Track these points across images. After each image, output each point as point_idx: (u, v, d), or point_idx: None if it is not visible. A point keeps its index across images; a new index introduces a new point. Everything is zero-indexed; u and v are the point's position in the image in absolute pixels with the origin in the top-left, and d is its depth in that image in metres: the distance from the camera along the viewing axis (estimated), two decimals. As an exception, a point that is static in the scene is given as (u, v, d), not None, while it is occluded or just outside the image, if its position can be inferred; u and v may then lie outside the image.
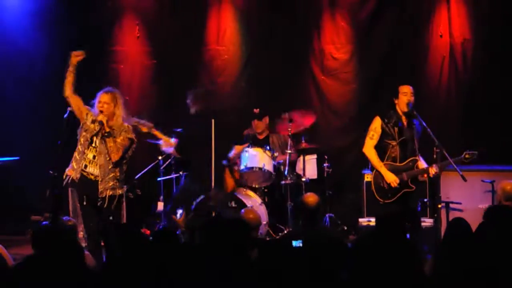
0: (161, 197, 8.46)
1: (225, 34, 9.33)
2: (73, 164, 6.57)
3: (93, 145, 6.49)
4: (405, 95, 6.73)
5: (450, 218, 7.14)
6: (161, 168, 8.49)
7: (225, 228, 4.16)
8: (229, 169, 8.27)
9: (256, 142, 8.36)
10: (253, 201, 7.93)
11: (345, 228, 8.41)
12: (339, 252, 3.83)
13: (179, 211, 8.17)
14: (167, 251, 4.13)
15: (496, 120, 8.78)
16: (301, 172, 8.38)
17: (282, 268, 3.70)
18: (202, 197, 7.93)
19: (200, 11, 9.33)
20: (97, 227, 6.42)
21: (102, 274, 4.04)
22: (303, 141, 8.37)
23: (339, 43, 9.21)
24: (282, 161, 8.18)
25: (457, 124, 8.91)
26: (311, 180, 8.41)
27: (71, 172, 6.55)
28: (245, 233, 4.25)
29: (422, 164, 6.77)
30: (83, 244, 6.43)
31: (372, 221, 7.81)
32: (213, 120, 7.46)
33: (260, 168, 8.03)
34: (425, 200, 7.97)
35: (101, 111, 6.49)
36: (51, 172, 6.85)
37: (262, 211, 7.73)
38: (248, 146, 8.17)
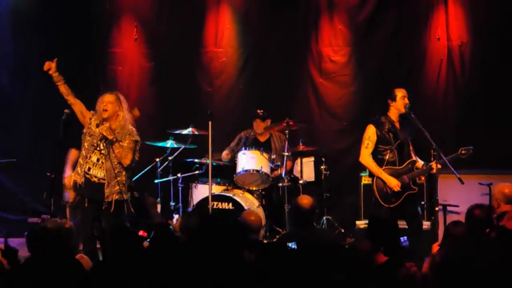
0: (159, 199, 8.46)
1: (223, 36, 9.33)
2: (78, 169, 6.55)
3: (98, 149, 6.47)
4: (402, 98, 6.79)
5: (448, 221, 7.18)
6: (159, 170, 8.48)
7: (220, 229, 4.17)
8: None
9: (256, 144, 8.38)
10: (250, 203, 7.94)
11: (343, 230, 8.40)
12: (333, 254, 3.83)
13: (175, 216, 8.17)
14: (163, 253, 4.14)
15: (493, 123, 8.78)
16: (298, 175, 8.38)
17: (277, 270, 3.70)
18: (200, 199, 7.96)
19: (198, 13, 9.33)
20: (95, 229, 6.39)
21: (96, 276, 4.04)
22: (300, 144, 8.37)
23: (337, 46, 9.21)
24: (279, 163, 8.19)
25: (455, 126, 8.91)
26: (309, 183, 8.41)
27: (77, 177, 6.52)
28: (241, 235, 4.25)
29: (420, 163, 6.81)
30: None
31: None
32: (210, 123, 7.44)
33: (257, 171, 8.05)
34: (423, 202, 7.97)
35: (105, 110, 6.46)
36: (49, 174, 6.86)
37: (259, 214, 7.73)
38: (245, 149, 8.19)
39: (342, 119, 9.27)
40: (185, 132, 8.25)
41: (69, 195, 7.50)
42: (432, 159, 6.67)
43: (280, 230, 8.05)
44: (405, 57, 9.09)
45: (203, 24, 9.34)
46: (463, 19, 8.95)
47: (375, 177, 6.83)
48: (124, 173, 6.48)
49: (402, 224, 6.71)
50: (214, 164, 7.88)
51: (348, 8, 9.16)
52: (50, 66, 6.53)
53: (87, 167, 6.45)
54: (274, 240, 7.38)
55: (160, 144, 8.42)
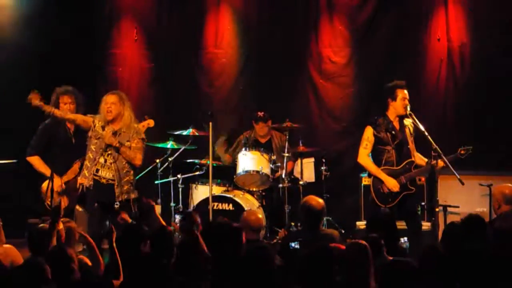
0: (159, 200, 8.46)
1: (223, 37, 9.33)
2: (85, 172, 6.56)
3: (107, 150, 6.48)
4: (403, 100, 6.79)
5: (448, 222, 7.18)
6: (159, 171, 8.48)
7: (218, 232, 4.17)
8: None
9: (257, 145, 8.38)
10: (250, 204, 7.95)
11: (343, 231, 8.40)
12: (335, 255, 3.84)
13: (178, 217, 8.16)
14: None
15: (493, 124, 8.78)
16: (298, 176, 8.38)
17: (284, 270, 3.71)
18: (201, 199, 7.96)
19: (198, 14, 9.34)
20: (103, 229, 6.40)
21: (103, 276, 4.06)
22: (300, 145, 8.38)
23: (337, 47, 9.21)
24: (280, 164, 8.19)
25: (455, 127, 8.90)
26: (309, 184, 8.41)
27: (83, 180, 6.53)
28: (238, 237, 4.26)
29: (421, 159, 6.81)
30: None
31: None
32: (210, 123, 7.45)
33: (257, 171, 8.05)
34: (423, 203, 7.97)
35: (110, 111, 6.47)
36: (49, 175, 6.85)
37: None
38: (245, 149, 8.20)
39: (342, 120, 9.27)
40: (185, 133, 8.26)
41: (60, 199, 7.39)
42: (432, 159, 6.68)
43: (280, 230, 8.04)
44: (405, 58, 9.08)
45: (203, 25, 9.35)
46: (463, 20, 8.95)
47: (372, 177, 6.84)
48: (132, 172, 6.56)
49: (402, 224, 6.72)
50: (214, 165, 7.88)
51: (348, 9, 9.16)
52: (30, 101, 6.55)
53: (95, 168, 6.48)
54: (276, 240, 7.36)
55: (160, 145, 8.42)
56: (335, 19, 9.17)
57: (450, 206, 7.89)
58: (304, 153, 8.43)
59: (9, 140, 8.99)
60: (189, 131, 8.25)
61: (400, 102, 6.81)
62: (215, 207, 7.81)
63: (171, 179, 8.47)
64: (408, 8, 9.10)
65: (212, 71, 9.40)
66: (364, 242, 4.16)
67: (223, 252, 4.35)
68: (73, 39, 9.05)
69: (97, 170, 6.48)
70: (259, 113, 8.56)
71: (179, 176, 8.39)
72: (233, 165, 8.38)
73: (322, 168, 8.59)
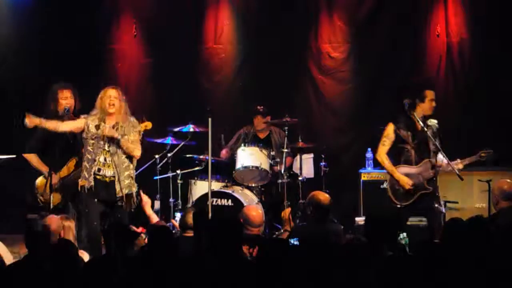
0: (158, 196, 8.46)
1: (222, 33, 9.33)
2: (84, 173, 6.55)
3: (105, 148, 6.48)
4: (431, 101, 6.77)
5: (447, 218, 7.17)
6: (158, 166, 8.48)
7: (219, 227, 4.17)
8: None
9: (256, 141, 8.38)
10: (249, 199, 7.95)
11: (342, 227, 8.39)
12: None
13: (178, 215, 8.16)
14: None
15: (493, 120, 8.78)
16: (298, 171, 8.38)
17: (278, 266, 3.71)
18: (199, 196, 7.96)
19: (197, 10, 9.34)
20: (103, 226, 6.41)
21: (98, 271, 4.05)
22: (300, 140, 8.37)
23: (336, 42, 9.22)
24: (279, 159, 8.19)
25: (454, 123, 8.90)
26: (308, 179, 8.41)
27: (84, 182, 6.52)
28: (239, 232, 4.25)
29: (441, 160, 6.78)
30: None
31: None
32: (209, 119, 7.44)
33: (256, 167, 8.06)
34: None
35: (113, 104, 6.48)
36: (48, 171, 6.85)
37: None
38: (244, 145, 8.20)
39: (342, 116, 9.27)
40: (184, 129, 8.26)
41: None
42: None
43: (279, 226, 8.05)
44: (404, 54, 9.08)
45: (203, 20, 9.35)
46: (462, 16, 8.95)
47: (390, 176, 6.84)
48: (132, 165, 6.56)
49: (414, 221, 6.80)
50: (213, 160, 7.88)
51: (347, 5, 9.16)
52: (29, 124, 6.55)
53: (96, 168, 6.48)
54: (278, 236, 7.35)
55: (159, 140, 8.42)
56: (334, 14, 9.18)
57: (449, 201, 7.90)
58: (303, 148, 8.42)
59: (8, 135, 8.99)
60: (189, 127, 8.24)
61: (428, 104, 6.78)
62: (214, 203, 7.81)
63: (170, 174, 8.47)
64: (407, 3, 9.10)
65: (211, 67, 9.40)
66: (364, 239, 4.15)
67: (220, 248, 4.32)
68: (73, 35, 9.04)
69: (99, 170, 6.49)
70: (258, 107, 8.57)
71: (178, 171, 8.39)
72: (232, 160, 8.37)
73: (321, 163, 8.59)
